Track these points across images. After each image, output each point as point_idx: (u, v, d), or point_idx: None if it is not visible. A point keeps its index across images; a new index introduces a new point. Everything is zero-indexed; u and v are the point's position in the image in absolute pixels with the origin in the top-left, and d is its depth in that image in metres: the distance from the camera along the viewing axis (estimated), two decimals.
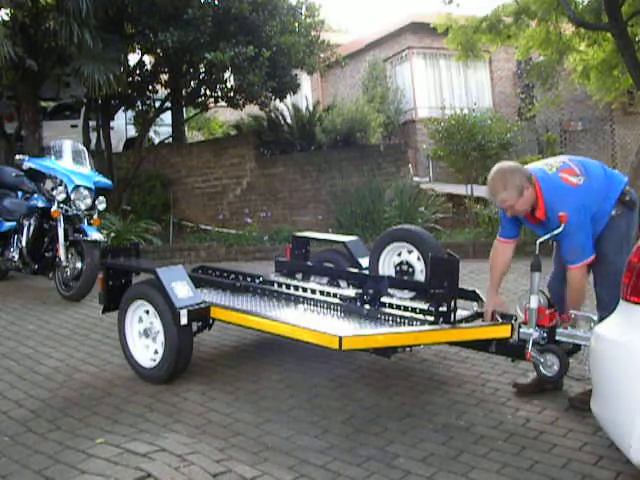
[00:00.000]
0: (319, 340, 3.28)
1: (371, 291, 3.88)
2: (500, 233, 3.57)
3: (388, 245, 4.40)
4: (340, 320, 3.70)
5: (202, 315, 3.75)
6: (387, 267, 4.41)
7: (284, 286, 4.32)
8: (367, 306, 3.82)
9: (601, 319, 2.98)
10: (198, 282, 4.29)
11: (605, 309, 3.20)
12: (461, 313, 3.66)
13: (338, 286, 4.64)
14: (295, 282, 4.46)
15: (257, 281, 4.45)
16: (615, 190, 3.27)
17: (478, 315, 3.84)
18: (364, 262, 4.54)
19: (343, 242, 4.87)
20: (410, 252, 4.33)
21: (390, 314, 3.68)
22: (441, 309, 3.45)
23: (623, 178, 3.35)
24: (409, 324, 3.54)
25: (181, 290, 3.70)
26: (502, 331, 3.31)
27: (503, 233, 3.55)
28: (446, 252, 3.83)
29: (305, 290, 4.21)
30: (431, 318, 3.50)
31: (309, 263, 4.89)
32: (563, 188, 3.21)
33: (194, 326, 3.87)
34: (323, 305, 3.92)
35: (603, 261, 3.26)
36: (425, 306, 3.68)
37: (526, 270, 3.73)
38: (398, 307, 3.85)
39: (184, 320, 3.60)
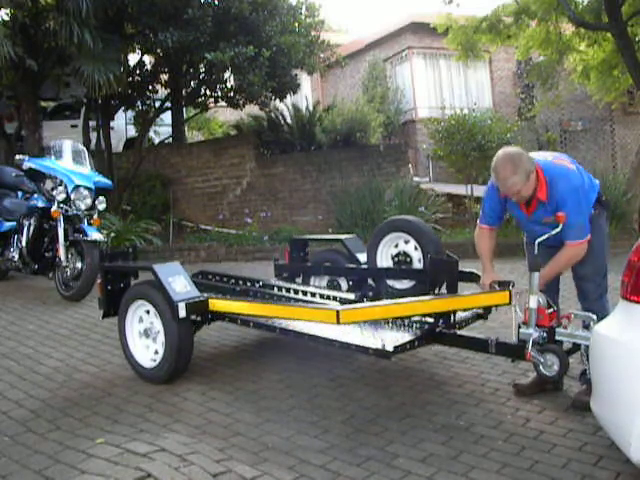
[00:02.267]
0: (317, 317, 3.31)
1: (370, 293, 3.89)
2: (482, 220, 3.62)
3: (385, 236, 4.40)
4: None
5: (200, 308, 3.76)
6: (385, 259, 4.41)
7: (284, 289, 4.33)
8: None
9: (587, 310, 3.21)
10: (198, 287, 4.31)
11: (591, 301, 3.38)
12: (461, 315, 3.66)
13: (338, 286, 4.64)
14: (295, 285, 4.47)
15: (257, 285, 4.45)
16: (594, 191, 3.42)
17: (479, 317, 3.84)
18: (362, 258, 4.55)
19: (340, 240, 4.89)
20: (407, 242, 4.32)
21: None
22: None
23: (596, 181, 3.51)
24: (409, 326, 3.53)
25: (178, 284, 3.73)
26: (501, 298, 3.33)
27: (485, 220, 3.60)
28: (445, 253, 3.83)
29: (305, 293, 4.21)
30: (431, 320, 3.50)
31: (308, 264, 4.89)
32: (562, 168, 3.34)
33: (194, 325, 3.87)
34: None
35: (590, 257, 3.35)
36: None
37: (525, 270, 3.72)
38: None
39: (182, 313, 3.61)
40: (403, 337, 3.37)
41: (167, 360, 3.70)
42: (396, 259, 4.36)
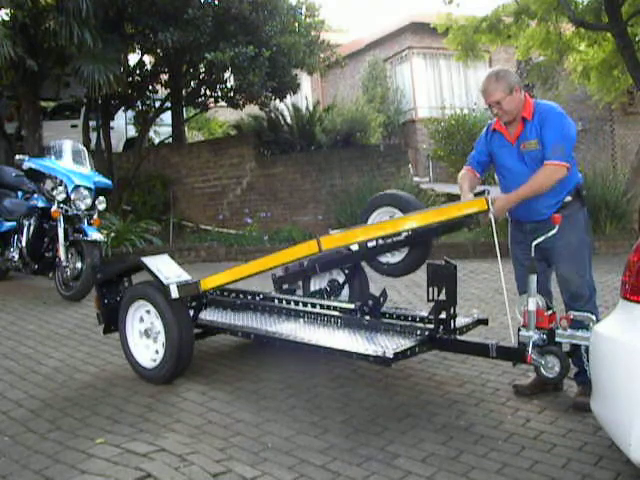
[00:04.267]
0: (301, 252, 3.59)
1: (370, 302, 3.89)
2: (467, 162, 3.76)
3: (371, 215, 4.41)
4: (341, 332, 3.71)
5: (192, 289, 3.82)
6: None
7: (284, 302, 4.34)
8: (367, 317, 3.83)
9: (586, 311, 3.13)
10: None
11: (583, 304, 3.34)
12: (461, 320, 3.66)
13: (338, 284, 4.63)
14: (295, 297, 4.48)
15: (257, 298, 4.47)
16: (577, 176, 3.47)
17: (479, 322, 3.84)
18: (354, 246, 4.56)
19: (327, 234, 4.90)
20: (392, 216, 4.33)
21: (390, 324, 3.70)
22: (441, 317, 3.46)
23: (580, 174, 3.56)
24: (409, 333, 3.54)
25: (168, 270, 3.83)
26: (478, 204, 3.38)
27: (470, 162, 3.74)
28: (444, 259, 3.80)
29: (305, 305, 4.23)
30: (431, 326, 3.50)
31: (302, 268, 4.85)
32: (551, 104, 3.49)
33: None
34: (324, 318, 3.95)
35: (569, 255, 3.35)
36: (425, 314, 3.68)
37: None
38: (398, 317, 3.87)
39: (174, 294, 3.67)
40: (404, 344, 3.37)
41: (167, 360, 3.70)
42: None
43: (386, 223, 3.64)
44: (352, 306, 4.03)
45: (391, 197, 4.41)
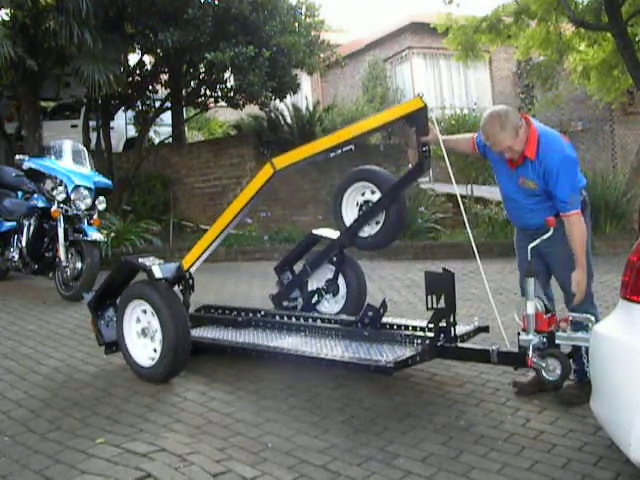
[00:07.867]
0: (260, 180, 3.93)
1: (370, 313, 3.89)
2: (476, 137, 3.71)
3: (343, 197, 4.48)
4: (342, 344, 3.71)
5: (177, 272, 3.91)
6: (350, 215, 4.46)
7: (285, 317, 4.35)
8: (368, 328, 3.84)
9: (585, 312, 3.16)
10: (201, 321, 4.45)
11: (584, 304, 3.30)
12: (462, 329, 3.67)
13: (335, 283, 4.63)
14: (297, 313, 4.49)
15: (259, 315, 4.48)
16: (579, 181, 3.39)
17: (480, 330, 3.84)
18: (335, 235, 4.61)
19: (311, 233, 4.92)
20: (364, 194, 4.42)
21: (391, 334, 3.70)
22: (441, 325, 3.46)
23: (583, 178, 3.47)
24: (410, 342, 3.55)
25: (151, 260, 3.94)
26: (414, 103, 3.56)
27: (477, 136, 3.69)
28: (442, 268, 3.81)
29: (306, 319, 4.24)
30: (432, 334, 3.51)
31: (295, 276, 4.85)
32: (557, 134, 3.38)
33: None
34: (324, 331, 3.95)
35: (568, 259, 3.30)
36: (425, 322, 3.69)
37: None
38: (399, 327, 3.87)
39: (158, 274, 3.76)
40: (404, 353, 3.38)
41: (165, 356, 3.70)
42: (360, 212, 4.39)
43: (333, 136, 3.78)
44: (353, 318, 4.04)
45: (366, 172, 4.47)
